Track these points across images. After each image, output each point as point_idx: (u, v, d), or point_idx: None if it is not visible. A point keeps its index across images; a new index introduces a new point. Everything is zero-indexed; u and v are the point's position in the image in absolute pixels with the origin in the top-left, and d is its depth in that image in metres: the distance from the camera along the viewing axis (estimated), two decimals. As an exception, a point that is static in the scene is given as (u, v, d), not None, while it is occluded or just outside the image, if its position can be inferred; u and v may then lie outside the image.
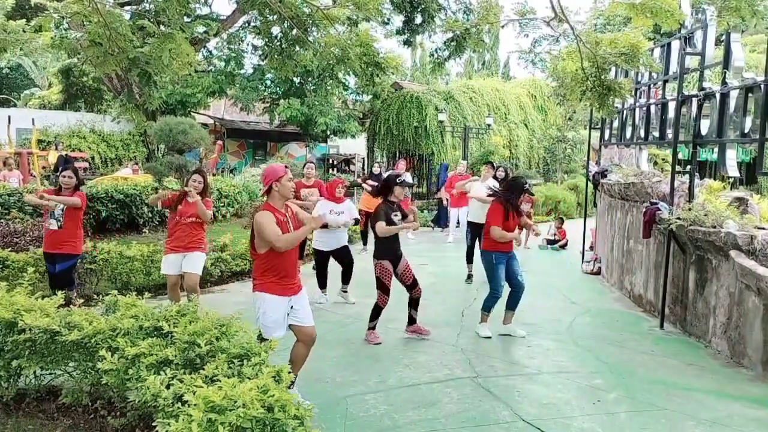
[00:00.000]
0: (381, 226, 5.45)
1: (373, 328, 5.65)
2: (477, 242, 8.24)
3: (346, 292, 7.00)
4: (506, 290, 5.90)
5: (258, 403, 2.50)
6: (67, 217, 5.76)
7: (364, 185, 11.00)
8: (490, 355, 5.30)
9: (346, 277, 6.99)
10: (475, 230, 8.15)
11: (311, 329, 4.08)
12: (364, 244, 10.48)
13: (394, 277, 5.59)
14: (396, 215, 5.61)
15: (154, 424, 2.77)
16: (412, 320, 5.79)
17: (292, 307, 4.00)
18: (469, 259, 8.41)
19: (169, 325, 3.46)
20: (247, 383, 2.65)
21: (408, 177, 11.75)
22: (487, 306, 5.89)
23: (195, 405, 2.54)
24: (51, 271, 5.94)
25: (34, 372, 3.76)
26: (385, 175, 10.80)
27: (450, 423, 3.90)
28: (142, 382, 3.00)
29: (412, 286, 5.69)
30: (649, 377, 4.85)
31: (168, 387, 2.87)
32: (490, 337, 5.79)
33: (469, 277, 8.42)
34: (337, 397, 4.27)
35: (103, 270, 7.04)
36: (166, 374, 2.99)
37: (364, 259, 8.57)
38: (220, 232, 10.47)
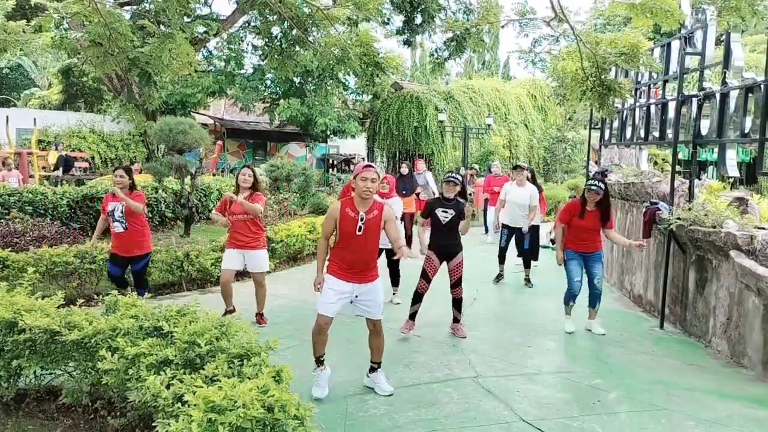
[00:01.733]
0: (420, 223, 5.72)
1: (412, 317, 5.81)
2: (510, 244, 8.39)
3: (394, 294, 7.02)
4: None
5: (258, 403, 2.50)
6: (128, 218, 5.83)
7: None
8: (490, 355, 5.30)
9: (394, 279, 6.99)
10: (510, 232, 8.33)
11: (374, 322, 4.37)
12: (408, 246, 10.27)
13: (441, 269, 5.73)
14: (445, 211, 5.66)
15: (154, 424, 2.77)
16: (455, 319, 5.92)
17: (356, 296, 4.26)
18: (501, 260, 8.49)
19: (169, 325, 3.46)
20: (247, 383, 2.65)
21: (430, 177, 11.76)
22: (564, 301, 6.13)
23: (195, 405, 2.54)
24: (114, 272, 6.02)
25: (34, 372, 3.76)
26: (415, 176, 10.78)
27: (450, 423, 3.90)
28: (142, 382, 3.00)
29: (453, 286, 5.79)
30: (649, 377, 4.85)
31: (168, 387, 2.86)
32: (572, 332, 5.97)
33: (498, 276, 8.47)
34: (337, 397, 4.27)
35: (104, 270, 7.03)
36: (166, 374, 2.99)
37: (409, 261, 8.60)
38: (220, 232, 10.47)
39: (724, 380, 4.84)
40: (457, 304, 5.86)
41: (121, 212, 5.84)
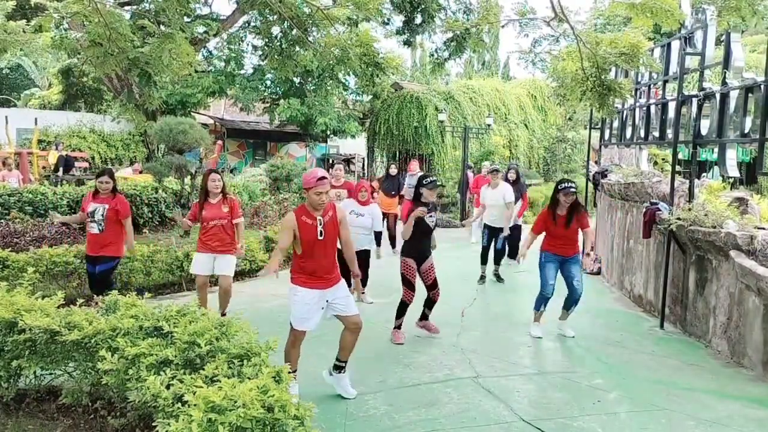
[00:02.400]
0: (406, 230, 5.57)
1: (399, 327, 5.70)
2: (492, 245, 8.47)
3: (363, 293, 7.00)
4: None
5: (258, 403, 2.50)
6: (108, 221, 5.83)
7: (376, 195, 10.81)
8: (490, 355, 5.30)
9: (362, 281, 6.94)
10: (492, 233, 8.44)
11: (355, 317, 4.26)
12: (392, 246, 9.94)
13: (419, 275, 5.66)
14: (431, 216, 5.63)
15: (154, 424, 2.77)
16: (424, 316, 5.85)
17: (327, 301, 4.17)
18: (484, 260, 8.53)
19: (169, 325, 3.46)
20: (247, 383, 2.65)
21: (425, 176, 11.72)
22: (536, 305, 6.02)
23: (195, 405, 2.54)
24: (91, 272, 6.01)
25: (34, 372, 3.76)
26: (402, 177, 10.80)
27: (450, 423, 3.90)
28: (142, 382, 3.00)
29: (431, 287, 5.73)
30: (649, 377, 4.85)
31: (168, 387, 2.86)
32: (540, 337, 5.86)
33: (482, 278, 8.51)
34: (337, 397, 4.27)
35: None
36: (166, 374, 2.99)
37: (387, 262, 8.60)
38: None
39: (724, 380, 4.84)
40: (430, 304, 5.78)
41: (102, 215, 5.80)
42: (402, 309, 5.67)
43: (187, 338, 3.25)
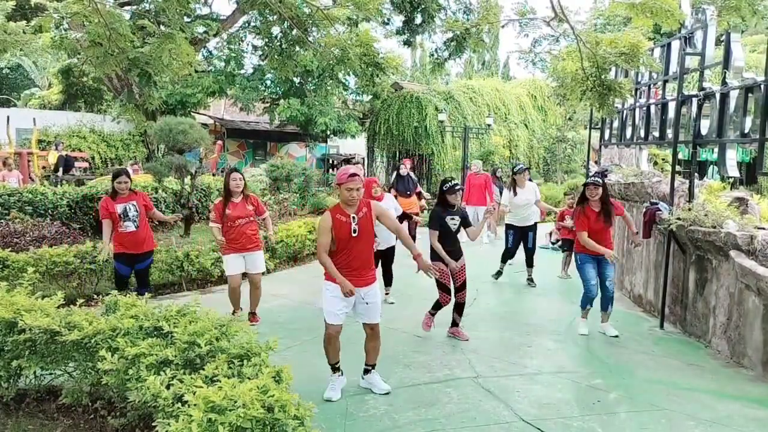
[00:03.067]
0: (432, 236, 5.66)
1: (433, 314, 5.87)
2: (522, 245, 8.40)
3: (387, 294, 7.01)
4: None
5: (258, 403, 2.50)
6: (141, 218, 5.93)
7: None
8: (490, 355, 5.30)
9: (386, 278, 7.00)
10: (521, 233, 8.37)
11: (373, 326, 4.40)
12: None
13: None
14: (453, 219, 5.67)
15: (154, 424, 2.77)
16: (454, 323, 5.89)
17: (364, 299, 4.26)
18: (505, 259, 8.55)
19: (169, 325, 3.46)
20: (247, 383, 2.65)
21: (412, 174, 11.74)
22: (581, 304, 6.10)
23: (195, 405, 2.54)
24: (124, 273, 6.01)
25: (34, 372, 3.76)
26: (412, 176, 10.78)
27: (450, 423, 3.90)
28: (142, 382, 3.00)
29: (458, 289, 5.77)
30: (649, 377, 4.85)
31: (168, 387, 2.87)
32: (586, 334, 5.95)
33: (499, 273, 8.55)
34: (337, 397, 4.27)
35: (103, 270, 7.04)
36: (166, 374, 2.99)
37: (405, 261, 8.57)
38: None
39: (724, 380, 4.84)
40: (459, 308, 5.84)
41: (136, 211, 5.88)
42: (436, 305, 5.82)
43: (187, 338, 3.25)
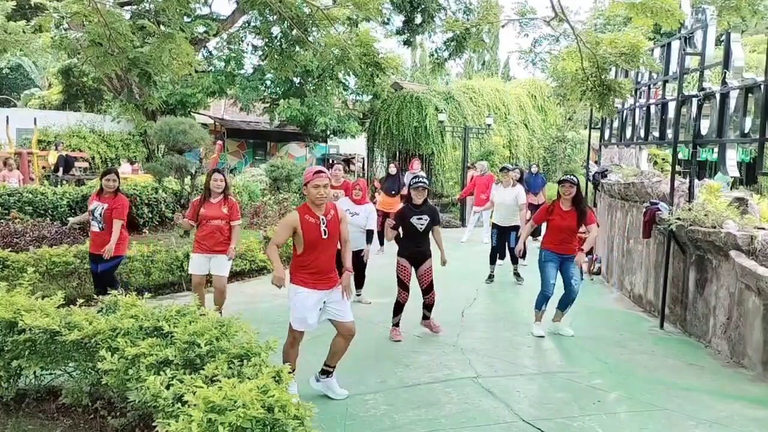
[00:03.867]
0: (388, 231, 5.62)
1: (396, 324, 5.75)
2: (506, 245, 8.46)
3: (359, 295, 7.02)
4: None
5: (258, 404, 2.50)
6: (106, 220, 5.88)
7: (377, 196, 10.78)
8: (490, 355, 5.30)
9: (358, 281, 7.00)
10: (501, 232, 8.48)
11: (349, 324, 4.23)
12: (381, 244, 10.13)
13: (414, 276, 5.68)
14: (420, 218, 5.59)
15: (154, 424, 2.77)
16: (424, 316, 5.90)
17: (324, 302, 4.14)
18: (493, 260, 8.58)
19: (169, 325, 3.46)
20: (247, 383, 2.65)
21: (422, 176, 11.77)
22: (537, 304, 6.04)
23: (195, 405, 2.54)
24: (94, 270, 6.07)
25: (34, 372, 3.76)
26: (402, 176, 10.84)
27: (450, 423, 3.90)
28: (142, 382, 3.00)
29: (425, 291, 5.76)
30: (649, 377, 4.85)
31: (168, 387, 2.86)
32: (542, 336, 5.87)
33: (490, 277, 8.55)
34: (337, 398, 4.27)
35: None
36: (166, 374, 2.99)
37: (381, 259, 8.60)
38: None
39: (724, 380, 4.84)
40: (428, 308, 5.84)
41: (101, 213, 5.91)
42: (397, 308, 5.72)
43: (187, 338, 3.25)
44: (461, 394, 4.38)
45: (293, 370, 4.12)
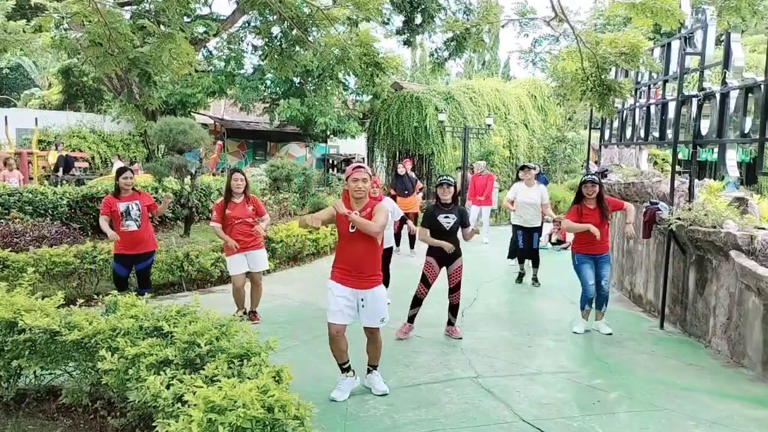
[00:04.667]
0: (421, 232, 5.66)
1: (412, 319, 5.80)
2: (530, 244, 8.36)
3: None
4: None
5: (258, 403, 2.50)
6: (143, 218, 5.89)
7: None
8: (490, 355, 5.30)
9: (384, 279, 6.95)
10: (527, 234, 8.35)
11: (372, 330, 4.37)
12: (397, 245, 9.99)
13: (441, 274, 5.72)
14: (447, 217, 5.61)
15: (154, 424, 2.77)
16: (449, 322, 5.90)
17: (362, 299, 4.22)
18: (522, 259, 8.52)
19: (169, 325, 3.46)
20: (247, 383, 2.65)
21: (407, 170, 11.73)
22: (581, 305, 6.15)
23: (195, 405, 2.54)
24: (123, 273, 6.00)
25: (34, 372, 3.76)
26: (411, 175, 10.79)
27: (450, 423, 3.90)
28: (142, 382, 3.00)
29: (452, 291, 5.76)
30: (649, 377, 4.85)
31: (168, 387, 2.86)
32: (580, 333, 6.00)
33: (520, 276, 8.47)
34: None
35: (103, 270, 7.04)
36: (166, 374, 2.99)
37: (397, 259, 8.56)
38: (220, 232, 10.45)
39: (724, 380, 4.84)
40: (453, 309, 5.84)
41: (138, 210, 5.86)
42: (416, 302, 5.76)
43: (187, 338, 3.25)
44: (461, 394, 4.38)
45: (344, 363, 4.31)
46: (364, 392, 4.39)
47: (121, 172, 6.00)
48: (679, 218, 6.03)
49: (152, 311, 3.71)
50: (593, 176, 6.07)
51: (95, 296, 6.23)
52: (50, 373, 3.90)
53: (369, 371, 4.50)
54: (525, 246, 8.39)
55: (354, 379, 4.37)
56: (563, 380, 4.75)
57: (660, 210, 6.49)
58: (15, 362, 3.71)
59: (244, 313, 5.80)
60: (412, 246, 10.01)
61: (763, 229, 5.44)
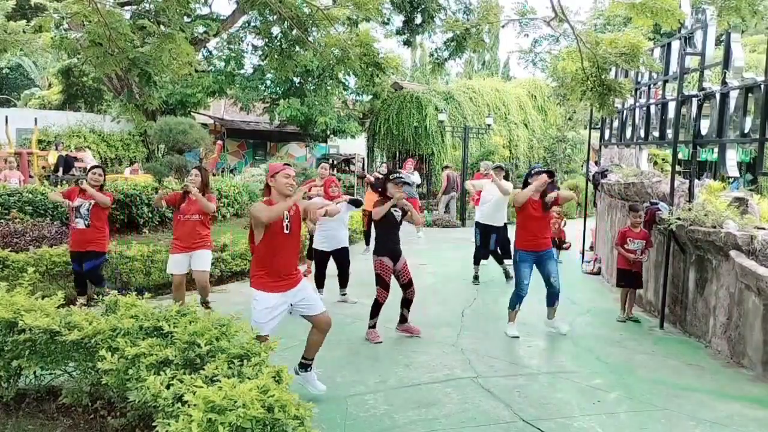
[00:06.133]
0: (376, 210, 5.46)
1: (374, 326, 5.66)
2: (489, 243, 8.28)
3: (345, 294, 7.00)
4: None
5: (258, 403, 2.50)
6: (93, 216, 5.84)
7: (367, 176, 10.54)
8: (490, 355, 5.30)
9: (342, 280, 6.99)
10: (485, 231, 8.26)
11: (323, 316, 4.15)
12: (367, 244, 10.26)
13: (393, 274, 5.61)
14: (396, 211, 5.58)
15: (154, 424, 2.77)
16: (403, 319, 5.81)
17: (291, 305, 4.05)
18: (477, 260, 8.42)
19: (169, 325, 3.46)
20: (247, 383, 2.65)
21: (416, 177, 11.74)
22: (511, 304, 5.99)
23: (195, 405, 2.54)
24: (77, 270, 6.06)
25: (34, 372, 3.76)
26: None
27: (450, 423, 3.90)
28: (142, 382, 2.99)
29: (406, 286, 5.70)
30: (649, 377, 4.85)
31: (168, 387, 2.86)
32: (517, 337, 5.82)
33: (476, 278, 8.40)
34: (337, 397, 4.27)
35: (103, 270, 7.02)
36: (166, 374, 2.99)
37: (366, 259, 8.54)
38: (220, 232, 10.46)
39: (724, 380, 4.84)
40: (407, 303, 5.74)
41: (88, 209, 5.88)
42: (376, 309, 5.62)
43: (187, 338, 3.25)
44: (461, 394, 4.38)
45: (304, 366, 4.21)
46: (365, 392, 4.39)
47: (92, 168, 6.06)
48: (679, 218, 6.03)
49: (152, 311, 3.71)
50: (537, 167, 5.98)
51: (95, 296, 6.24)
52: (50, 373, 3.90)
53: (306, 368, 4.24)
54: (481, 245, 8.35)
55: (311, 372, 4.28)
56: (563, 380, 4.75)
57: (660, 210, 6.49)
58: (15, 362, 3.71)
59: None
60: (367, 243, 9.99)
61: (763, 229, 5.44)
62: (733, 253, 5.24)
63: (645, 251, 6.59)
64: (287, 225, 3.97)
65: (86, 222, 5.88)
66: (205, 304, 6.05)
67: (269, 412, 2.51)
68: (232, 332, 3.40)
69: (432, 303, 6.96)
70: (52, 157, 16.39)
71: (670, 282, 6.45)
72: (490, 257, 8.63)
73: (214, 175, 16.85)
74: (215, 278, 7.80)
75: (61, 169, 15.68)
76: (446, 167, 16.32)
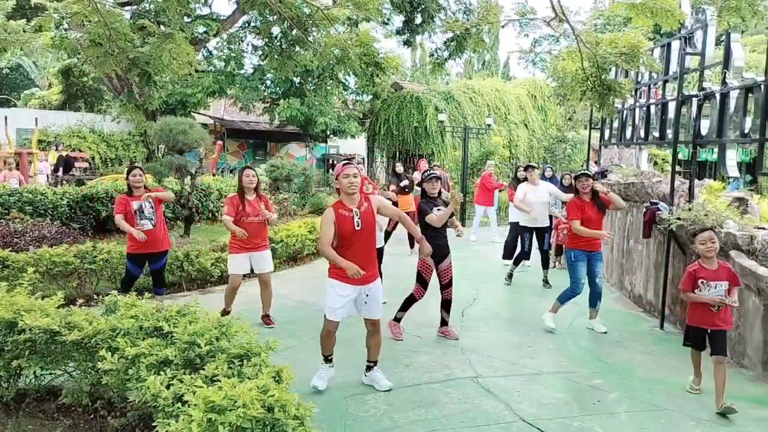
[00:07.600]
0: (431, 217, 5.54)
1: (399, 320, 5.77)
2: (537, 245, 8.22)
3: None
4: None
5: (258, 403, 2.50)
6: (157, 215, 5.83)
7: (388, 193, 10.56)
8: (490, 355, 5.30)
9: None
10: (539, 232, 8.20)
11: (374, 321, 4.41)
12: (385, 241, 9.95)
13: (434, 273, 5.68)
14: (439, 209, 5.62)
15: (154, 424, 2.77)
16: (443, 322, 5.86)
17: (367, 295, 4.29)
18: (517, 261, 8.31)
19: (169, 325, 3.46)
20: (247, 383, 2.65)
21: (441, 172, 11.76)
22: (561, 299, 6.14)
23: (195, 405, 2.54)
24: (136, 273, 5.96)
25: (34, 372, 3.76)
26: (408, 174, 10.79)
27: (450, 423, 3.90)
28: (142, 382, 3.00)
29: (445, 287, 5.74)
30: (649, 377, 4.85)
31: (168, 387, 2.86)
32: (553, 330, 5.98)
33: (510, 276, 8.27)
34: (337, 397, 4.27)
35: (103, 270, 7.03)
36: (166, 374, 2.99)
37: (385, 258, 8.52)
38: (220, 232, 10.47)
39: (724, 380, 4.83)
40: (446, 305, 5.79)
41: (152, 208, 5.77)
42: (408, 303, 5.72)
43: (187, 338, 3.25)
44: (461, 394, 4.38)
45: (328, 356, 4.41)
46: (365, 392, 4.39)
47: (130, 170, 5.94)
48: (679, 218, 6.02)
49: (152, 311, 3.72)
50: (585, 171, 6.11)
51: (95, 296, 6.24)
52: (50, 373, 3.90)
53: (370, 368, 4.52)
54: (529, 248, 8.23)
55: (332, 369, 4.49)
56: (563, 380, 4.75)
57: (660, 210, 6.49)
58: (15, 362, 3.71)
59: (227, 313, 5.76)
60: (411, 246, 10.00)
61: (763, 229, 5.44)
62: (733, 253, 5.24)
63: (731, 290, 4.28)
64: (358, 222, 4.17)
65: (153, 222, 5.79)
66: (266, 317, 6.09)
67: (269, 412, 2.51)
68: (232, 332, 3.40)
69: (432, 303, 6.94)
70: (52, 157, 16.39)
71: (670, 282, 6.45)
72: (529, 259, 8.55)
73: (213, 175, 16.86)
74: (215, 278, 7.80)
75: (61, 169, 15.69)
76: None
